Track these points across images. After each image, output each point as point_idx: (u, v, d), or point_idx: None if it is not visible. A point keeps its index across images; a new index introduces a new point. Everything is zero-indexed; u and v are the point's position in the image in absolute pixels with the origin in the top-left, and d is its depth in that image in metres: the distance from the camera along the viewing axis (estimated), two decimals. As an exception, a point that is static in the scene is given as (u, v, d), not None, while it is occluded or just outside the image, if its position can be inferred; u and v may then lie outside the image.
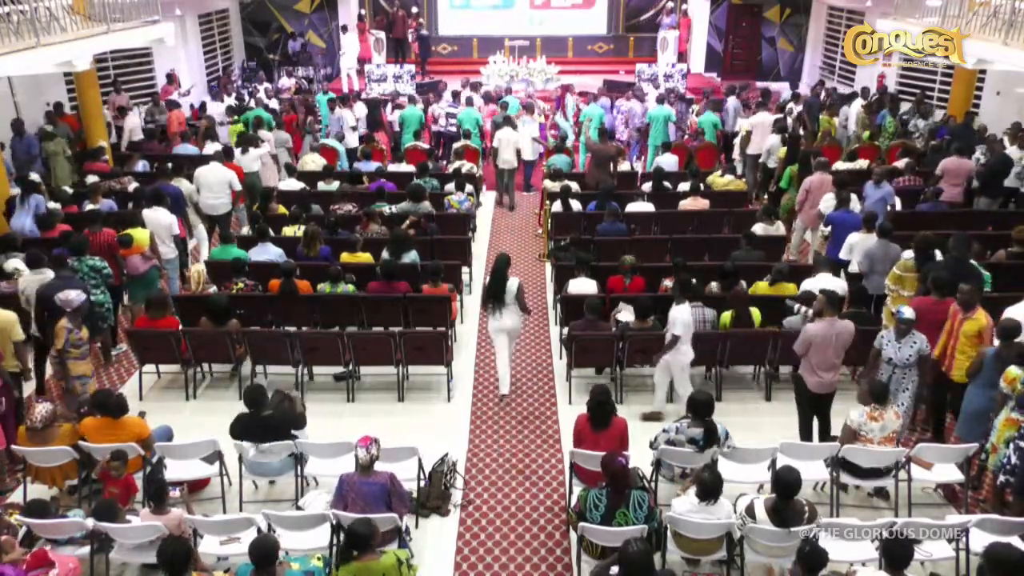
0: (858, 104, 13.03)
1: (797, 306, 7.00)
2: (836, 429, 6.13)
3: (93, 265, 7.49)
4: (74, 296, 6.38)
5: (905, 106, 13.93)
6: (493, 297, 7.00)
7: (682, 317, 6.45)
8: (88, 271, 7.42)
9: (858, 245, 8.02)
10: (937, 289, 6.46)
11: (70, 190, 10.23)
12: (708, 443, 5.37)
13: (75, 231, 8.14)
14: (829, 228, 8.80)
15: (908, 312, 5.92)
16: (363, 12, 19.07)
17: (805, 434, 6.30)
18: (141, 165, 11.60)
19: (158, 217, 8.62)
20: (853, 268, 8.08)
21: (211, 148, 11.56)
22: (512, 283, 7.01)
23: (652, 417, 6.93)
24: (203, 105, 14.73)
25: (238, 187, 10.13)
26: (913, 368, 6.01)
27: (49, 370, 7.14)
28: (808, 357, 6.04)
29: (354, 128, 13.56)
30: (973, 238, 7.67)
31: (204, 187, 9.91)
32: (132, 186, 10.44)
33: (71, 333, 6.38)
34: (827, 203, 9.11)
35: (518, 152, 12.42)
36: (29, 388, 7.20)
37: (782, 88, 17.59)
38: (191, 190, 9.85)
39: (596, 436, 5.43)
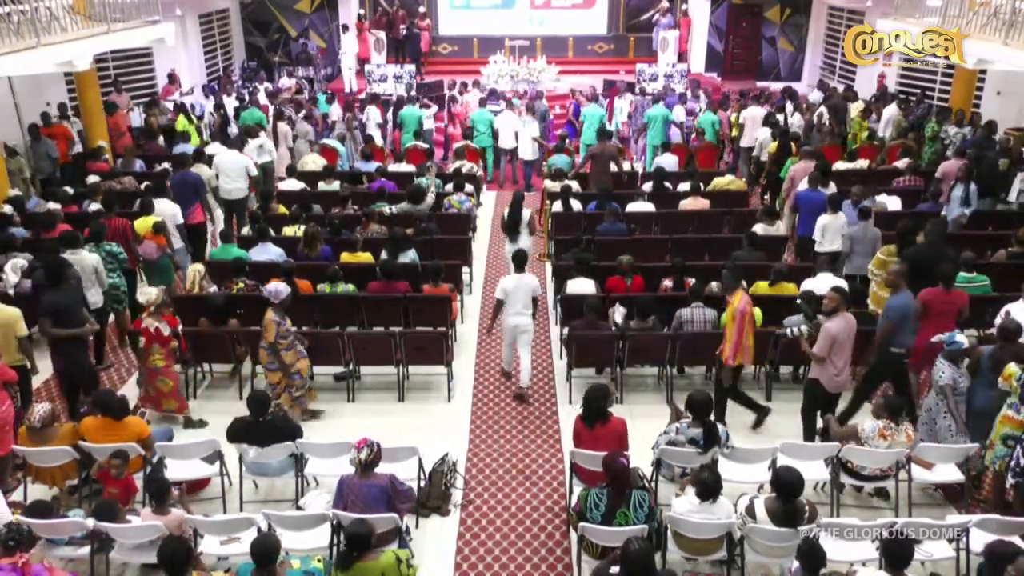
0: (893, 108, 13.06)
1: (791, 329, 6.64)
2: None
3: (110, 250, 7.76)
4: (282, 288, 6.62)
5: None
6: (512, 226, 8.64)
7: (502, 285, 7.15)
8: (105, 256, 7.65)
9: (828, 227, 8.41)
10: (944, 281, 6.55)
11: (70, 190, 10.23)
12: (709, 443, 5.37)
13: (75, 230, 8.16)
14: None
15: (965, 341, 5.74)
16: (362, 12, 19.05)
17: (810, 436, 6.31)
18: (139, 165, 11.61)
19: (162, 208, 8.83)
20: (821, 248, 8.46)
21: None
22: (526, 213, 8.79)
23: (521, 398, 7.33)
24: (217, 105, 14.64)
25: (254, 172, 10.67)
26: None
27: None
28: (830, 358, 5.98)
29: (380, 125, 13.84)
30: (968, 242, 7.86)
31: (222, 173, 10.45)
32: (144, 184, 10.49)
33: (279, 325, 6.55)
34: (803, 187, 9.54)
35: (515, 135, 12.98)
36: (37, 382, 7.29)
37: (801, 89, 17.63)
38: (210, 176, 10.24)
39: (592, 434, 5.43)
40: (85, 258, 7.30)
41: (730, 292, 6.35)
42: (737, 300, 6.21)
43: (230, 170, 10.46)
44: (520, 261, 7.29)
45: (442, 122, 14.64)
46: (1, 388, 5.75)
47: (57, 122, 11.96)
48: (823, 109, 13.61)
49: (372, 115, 14.07)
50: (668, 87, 16.47)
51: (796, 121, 13.41)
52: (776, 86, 18.78)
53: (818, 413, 6.29)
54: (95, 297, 7.41)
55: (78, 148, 12.18)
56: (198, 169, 10.01)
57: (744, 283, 6.66)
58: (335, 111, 14.32)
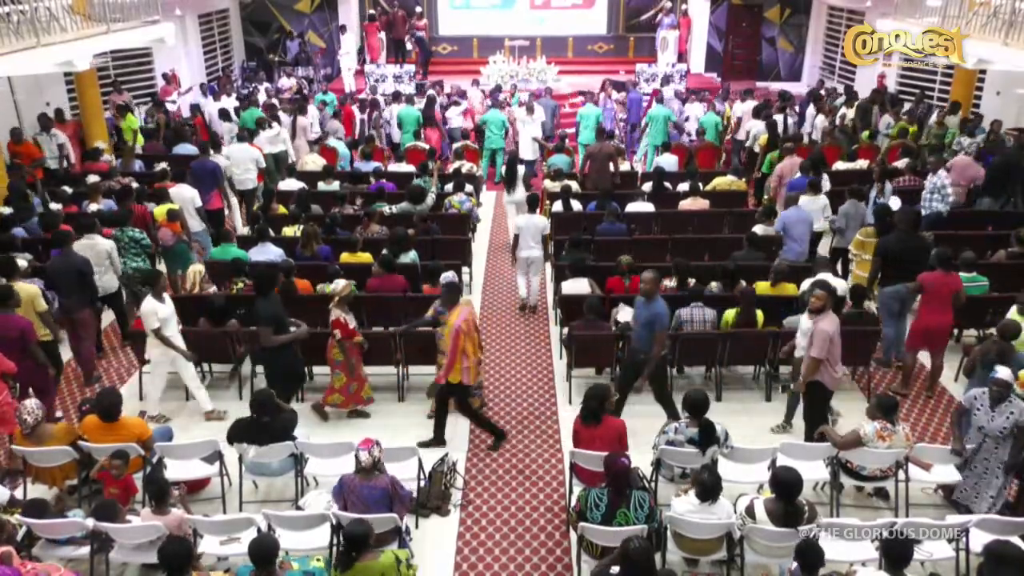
0: (935, 115, 13.10)
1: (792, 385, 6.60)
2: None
3: (133, 236, 8.14)
4: (452, 275, 6.97)
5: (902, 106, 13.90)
6: (509, 180, 10.53)
7: (517, 222, 8.88)
8: (128, 242, 8.07)
9: (805, 206, 8.83)
10: (942, 264, 6.84)
11: (69, 190, 10.23)
12: (705, 442, 5.36)
13: (75, 231, 8.26)
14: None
15: (1003, 373, 5.22)
16: (374, 12, 19.02)
17: (812, 437, 6.25)
18: (138, 165, 11.61)
19: (182, 193, 9.26)
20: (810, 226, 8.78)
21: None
22: (520, 169, 10.73)
23: (531, 309, 9.05)
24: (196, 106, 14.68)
25: (263, 164, 11.18)
26: (1008, 439, 5.26)
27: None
28: (828, 358, 5.93)
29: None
30: (968, 242, 8.05)
31: (234, 164, 10.94)
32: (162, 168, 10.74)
33: (441, 315, 6.65)
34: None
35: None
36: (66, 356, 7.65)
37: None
38: (227, 165, 10.65)
39: (590, 434, 5.44)
40: (99, 243, 7.65)
41: (448, 307, 6.26)
42: (454, 317, 6.13)
43: (242, 161, 10.96)
44: (532, 203, 9.08)
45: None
46: None
47: (37, 134, 11.43)
48: (845, 111, 13.66)
49: (396, 114, 14.18)
50: (632, 84, 16.59)
51: (820, 123, 13.36)
52: (776, 86, 18.82)
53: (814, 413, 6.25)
54: (110, 282, 7.75)
55: (53, 163, 11.40)
56: (213, 159, 10.44)
57: (462, 299, 6.55)
58: (313, 112, 14.25)
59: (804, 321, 6.12)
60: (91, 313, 7.51)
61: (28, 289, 6.67)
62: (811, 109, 14.08)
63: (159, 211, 8.87)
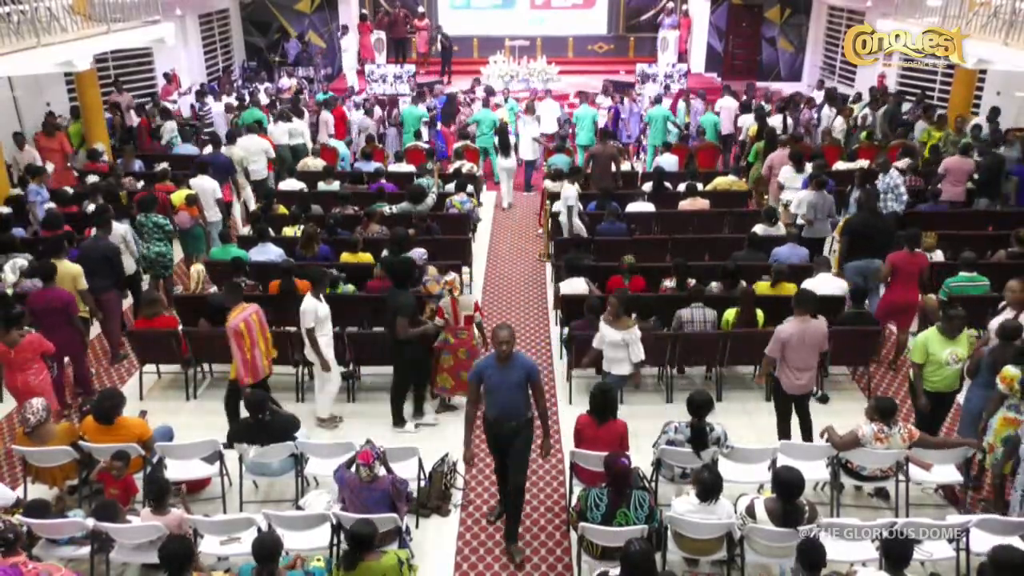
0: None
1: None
2: (817, 427, 6.08)
3: (156, 222, 8.52)
4: (422, 251, 7.61)
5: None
6: (503, 147, 11.93)
7: (564, 191, 9.46)
8: (152, 227, 8.47)
9: (804, 200, 9.14)
10: (909, 243, 7.36)
11: (70, 190, 10.23)
12: (697, 445, 5.34)
13: (76, 231, 8.44)
14: (788, 196, 9.83)
15: None
16: (365, 12, 19.06)
17: (783, 434, 6.21)
18: (138, 165, 11.61)
19: (203, 184, 9.59)
20: (800, 220, 9.25)
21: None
22: (511, 139, 12.23)
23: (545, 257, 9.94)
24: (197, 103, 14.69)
25: (272, 155, 11.59)
26: None
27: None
28: (785, 358, 5.92)
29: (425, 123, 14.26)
30: (967, 242, 8.24)
31: (247, 155, 11.28)
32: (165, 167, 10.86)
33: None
34: (784, 175, 10.10)
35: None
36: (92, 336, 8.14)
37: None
38: (242, 157, 11.04)
39: (597, 432, 5.41)
40: (115, 228, 7.96)
41: (231, 306, 6.15)
42: (232, 316, 6.07)
43: (253, 152, 11.31)
44: (573, 172, 10.04)
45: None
46: (39, 359, 6.14)
47: None
48: (867, 111, 13.68)
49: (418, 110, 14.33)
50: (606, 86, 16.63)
51: (839, 125, 13.29)
52: (776, 86, 18.81)
53: (788, 410, 6.20)
54: (127, 264, 8.06)
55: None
56: (228, 151, 10.77)
57: (243, 301, 6.34)
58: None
59: (607, 330, 6.32)
60: (116, 295, 7.80)
61: (72, 268, 7.10)
62: (827, 109, 13.99)
63: (177, 196, 9.27)
